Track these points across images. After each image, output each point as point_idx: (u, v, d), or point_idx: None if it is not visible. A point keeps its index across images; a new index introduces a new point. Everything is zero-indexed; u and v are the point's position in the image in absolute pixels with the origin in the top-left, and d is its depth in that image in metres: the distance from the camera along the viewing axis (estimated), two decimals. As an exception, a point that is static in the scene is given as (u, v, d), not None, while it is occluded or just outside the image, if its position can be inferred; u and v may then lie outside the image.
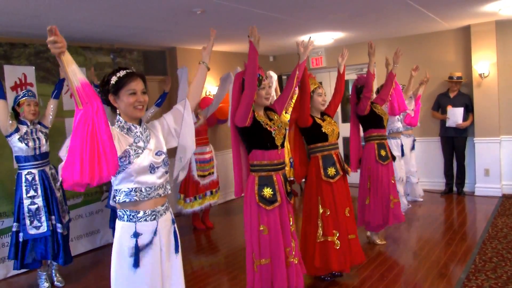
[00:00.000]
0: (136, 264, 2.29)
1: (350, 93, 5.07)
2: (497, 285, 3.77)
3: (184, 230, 6.11)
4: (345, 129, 7.16)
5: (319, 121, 4.02)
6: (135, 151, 2.33)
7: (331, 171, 3.94)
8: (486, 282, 3.84)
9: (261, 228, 3.19)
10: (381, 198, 4.86)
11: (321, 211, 3.91)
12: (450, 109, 7.01)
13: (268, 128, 3.23)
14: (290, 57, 8.93)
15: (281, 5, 4.99)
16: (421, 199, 6.97)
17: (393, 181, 4.97)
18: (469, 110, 7.11)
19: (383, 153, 4.88)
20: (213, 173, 6.15)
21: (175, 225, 2.56)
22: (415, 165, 6.80)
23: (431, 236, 5.39)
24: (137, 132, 2.41)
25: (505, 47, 6.99)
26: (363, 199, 4.97)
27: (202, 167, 6.02)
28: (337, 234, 3.88)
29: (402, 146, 6.19)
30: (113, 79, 2.35)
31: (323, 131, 3.98)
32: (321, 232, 3.89)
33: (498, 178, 7.06)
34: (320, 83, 8.74)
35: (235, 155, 3.35)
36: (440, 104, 7.26)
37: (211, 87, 7.60)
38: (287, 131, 4.07)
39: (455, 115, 6.97)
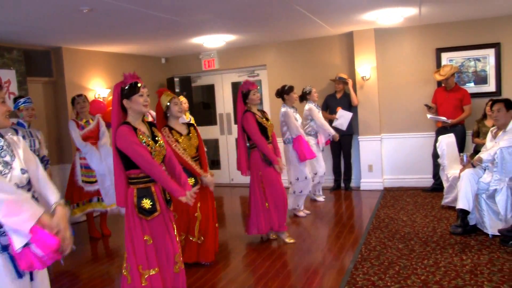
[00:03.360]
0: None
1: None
2: (380, 271, 4.12)
3: (79, 240, 5.85)
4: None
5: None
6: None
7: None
8: (371, 269, 4.18)
9: (146, 238, 3.17)
10: (278, 198, 5.07)
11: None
12: (340, 110, 7.43)
13: (149, 149, 3.16)
14: (182, 59, 8.93)
15: (172, 6, 4.98)
16: (323, 197, 7.31)
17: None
18: (355, 110, 7.64)
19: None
20: None
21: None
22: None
23: (322, 230, 5.74)
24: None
25: (383, 52, 7.62)
26: (260, 203, 5.08)
27: (87, 172, 5.77)
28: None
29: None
30: None
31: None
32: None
33: (380, 173, 7.68)
34: (212, 84, 8.85)
35: (116, 167, 3.24)
36: (328, 105, 7.71)
37: (100, 89, 7.36)
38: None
39: (344, 118, 7.41)
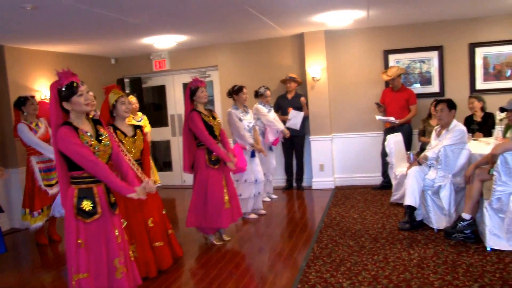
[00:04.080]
0: None
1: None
2: (332, 268, 4.19)
3: (25, 246, 5.63)
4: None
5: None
6: None
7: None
8: (323, 267, 4.25)
9: (79, 241, 3.06)
10: (215, 201, 5.02)
11: None
12: (292, 111, 7.51)
13: (92, 149, 3.09)
14: (132, 60, 8.78)
15: (120, 5, 4.88)
16: (275, 196, 7.37)
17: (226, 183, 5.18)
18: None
19: (213, 157, 5.04)
20: None
21: None
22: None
23: (275, 229, 5.78)
24: None
25: (333, 54, 7.77)
26: (199, 202, 5.06)
27: (47, 176, 5.58)
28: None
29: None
30: None
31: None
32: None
33: (331, 172, 7.83)
34: (163, 85, 8.75)
35: (59, 169, 3.14)
36: (280, 106, 7.78)
37: (47, 90, 7.11)
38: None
39: (296, 118, 7.50)
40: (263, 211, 6.42)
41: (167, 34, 6.94)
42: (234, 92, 6.15)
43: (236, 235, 5.62)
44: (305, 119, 7.68)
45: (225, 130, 5.46)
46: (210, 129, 4.99)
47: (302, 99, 7.59)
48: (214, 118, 5.13)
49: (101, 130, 3.26)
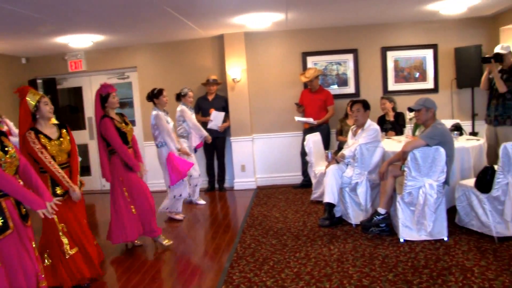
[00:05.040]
0: None
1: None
2: (255, 267, 4.23)
3: None
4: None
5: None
6: None
7: None
8: (247, 267, 4.27)
9: None
10: (143, 204, 4.91)
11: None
12: (213, 112, 7.49)
13: None
14: (45, 59, 8.31)
15: (31, 1, 4.61)
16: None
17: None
18: (226, 111, 7.75)
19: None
20: None
21: None
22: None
23: (197, 232, 5.74)
24: None
25: (253, 55, 7.86)
26: (124, 210, 4.86)
27: None
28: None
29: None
30: None
31: None
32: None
33: (252, 172, 7.90)
34: (80, 87, 8.39)
35: None
36: (201, 107, 7.72)
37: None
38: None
39: (217, 118, 7.50)
40: (180, 216, 6.32)
41: (83, 34, 6.66)
42: (154, 96, 6.01)
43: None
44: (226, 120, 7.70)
45: (148, 133, 5.33)
46: (123, 135, 4.81)
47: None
48: (126, 124, 4.94)
49: (6, 142, 3.04)
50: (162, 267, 4.57)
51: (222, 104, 7.74)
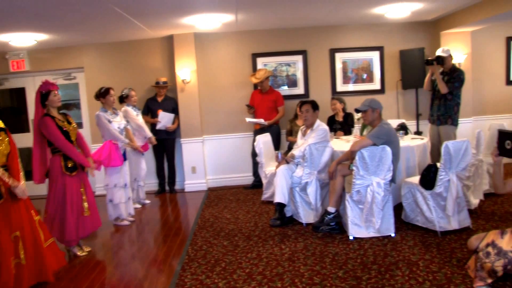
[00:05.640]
0: None
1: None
2: (207, 269, 4.20)
3: None
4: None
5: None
6: None
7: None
8: (199, 269, 4.24)
9: None
10: (75, 210, 4.75)
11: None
12: (161, 113, 7.40)
13: None
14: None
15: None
16: (148, 201, 7.15)
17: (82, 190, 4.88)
18: (176, 113, 7.66)
19: (69, 164, 4.75)
20: None
21: None
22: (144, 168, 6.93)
23: (148, 235, 5.63)
24: None
25: (203, 56, 7.81)
26: (55, 213, 4.72)
27: None
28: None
29: (125, 151, 6.22)
30: None
31: None
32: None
33: (203, 174, 7.85)
34: (23, 88, 8.08)
35: None
36: (150, 109, 7.61)
37: None
38: None
39: (166, 119, 7.41)
40: (131, 218, 6.19)
41: (24, 32, 6.39)
42: (101, 95, 5.89)
43: (108, 243, 5.37)
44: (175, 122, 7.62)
45: (95, 134, 5.19)
46: (65, 134, 4.67)
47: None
48: (69, 122, 4.80)
49: None
50: (111, 273, 4.45)
51: (172, 106, 7.65)
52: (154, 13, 5.94)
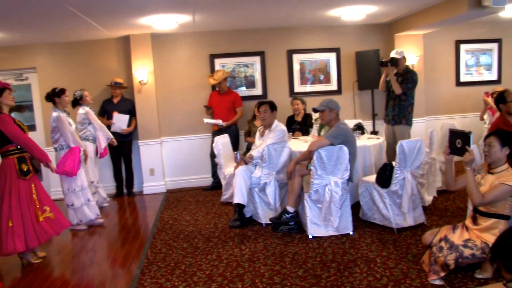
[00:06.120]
0: None
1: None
2: (167, 272, 4.15)
3: None
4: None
5: None
6: None
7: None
8: (158, 272, 4.18)
9: None
10: (29, 216, 4.56)
11: None
12: (116, 114, 7.26)
13: None
14: None
15: None
16: (107, 204, 7.00)
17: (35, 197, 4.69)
18: (132, 115, 7.53)
19: (24, 167, 4.58)
20: None
21: None
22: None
23: (105, 240, 5.51)
24: None
25: (160, 57, 7.72)
26: (5, 220, 4.48)
27: None
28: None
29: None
30: None
31: None
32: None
33: (162, 176, 7.75)
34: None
35: None
36: (105, 110, 7.45)
37: None
38: None
39: (121, 121, 7.28)
40: (101, 220, 6.05)
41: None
42: (55, 95, 5.69)
43: (64, 248, 5.21)
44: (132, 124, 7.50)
45: (47, 136, 5.03)
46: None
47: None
48: (22, 123, 4.68)
49: None
50: (68, 280, 4.32)
51: (128, 107, 7.51)
52: (110, 13, 5.83)
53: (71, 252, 5.12)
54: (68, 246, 5.33)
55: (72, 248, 5.18)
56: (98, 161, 6.77)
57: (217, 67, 7.81)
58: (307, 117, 7.12)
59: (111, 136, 6.68)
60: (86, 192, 5.85)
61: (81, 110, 6.45)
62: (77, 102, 6.51)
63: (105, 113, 7.44)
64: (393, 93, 6.27)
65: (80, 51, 7.69)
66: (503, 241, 1.88)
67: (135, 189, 7.84)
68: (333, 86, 8.21)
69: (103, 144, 6.59)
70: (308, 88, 8.15)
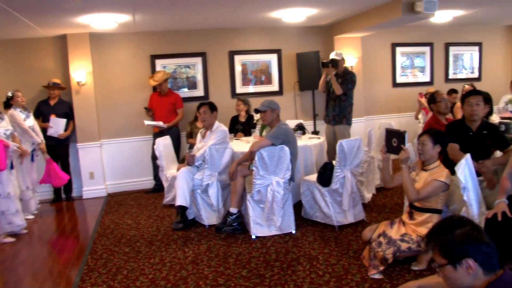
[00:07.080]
0: None
1: None
2: (108, 278, 4.05)
3: None
4: None
5: None
6: None
7: None
8: (99, 278, 4.07)
9: None
10: None
11: None
12: (53, 118, 6.97)
13: None
14: None
15: None
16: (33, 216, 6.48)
17: None
18: (70, 118, 7.26)
19: None
20: None
21: None
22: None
23: (43, 247, 5.26)
24: None
25: (99, 57, 7.51)
26: None
27: None
28: None
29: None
30: None
31: None
32: None
33: (102, 179, 7.55)
34: None
35: None
36: (41, 112, 7.14)
37: None
38: None
39: (58, 125, 7.00)
40: (25, 230, 5.69)
41: None
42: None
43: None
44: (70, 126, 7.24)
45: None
46: None
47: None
48: None
49: None
50: (0, 289, 4.13)
51: (65, 110, 7.24)
52: (45, 10, 5.59)
53: (2, 263, 4.77)
54: None
55: (3, 259, 4.86)
56: (33, 166, 6.43)
57: (158, 68, 7.71)
58: (250, 118, 7.16)
59: (38, 141, 6.31)
60: (15, 200, 5.43)
61: (10, 112, 6.14)
62: (8, 103, 6.21)
63: (40, 115, 7.12)
64: (333, 93, 6.43)
65: (13, 50, 7.32)
66: (439, 225, 1.98)
67: (74, 194, 7.57)
68: (274, 87, 8.30)
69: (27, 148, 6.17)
70: (250, 89, 8.20)
